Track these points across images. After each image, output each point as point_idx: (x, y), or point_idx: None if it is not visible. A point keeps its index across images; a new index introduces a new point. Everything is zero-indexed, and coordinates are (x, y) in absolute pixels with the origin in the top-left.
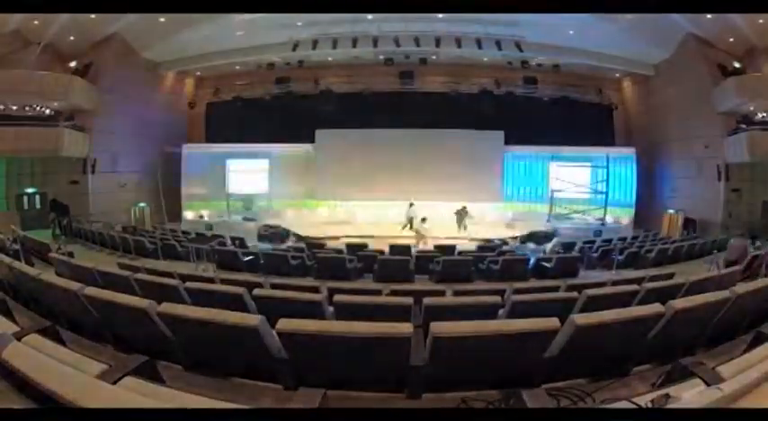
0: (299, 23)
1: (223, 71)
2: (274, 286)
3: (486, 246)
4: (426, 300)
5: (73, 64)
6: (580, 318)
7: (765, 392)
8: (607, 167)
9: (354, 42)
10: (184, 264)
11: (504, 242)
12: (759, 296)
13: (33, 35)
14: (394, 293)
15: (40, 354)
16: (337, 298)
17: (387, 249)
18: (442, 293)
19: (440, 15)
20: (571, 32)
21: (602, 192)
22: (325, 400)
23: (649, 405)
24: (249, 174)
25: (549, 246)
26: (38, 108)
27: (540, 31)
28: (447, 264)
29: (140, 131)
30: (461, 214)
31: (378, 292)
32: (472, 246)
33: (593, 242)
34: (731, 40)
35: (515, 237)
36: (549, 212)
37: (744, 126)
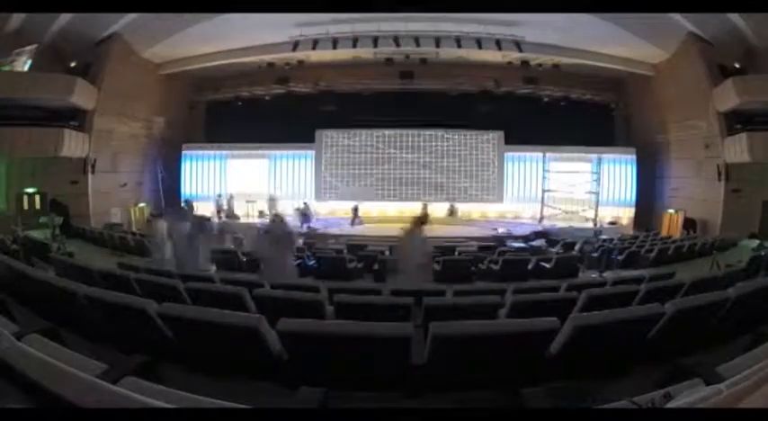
0: (299, 23)
1: (223, 71)
2: (274, 286)
3: (487, 246)
4: (426, 300)
5: (73, 64)
6: (580, 318)
7: (765, 392)
8: (599, 166)
9: (354, 42)
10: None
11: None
12: (759, 296)
13: (33, 35)
14: (394, 293)
15: (39, 354)
16: (337, 298)
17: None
18: (442, 293)
19: (440, 15)
20: (571, 32)
21: (594, 192)
22: (325, 400)
23: (649, 405)
24: (249, 174)
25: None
26: (38, 108)
27: (540, 31)
28: (447, 264)
29: (140, 131)
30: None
31: (378, 292)
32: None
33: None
34: (731, 40)
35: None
36: (541, 213)
37: (744, 126)
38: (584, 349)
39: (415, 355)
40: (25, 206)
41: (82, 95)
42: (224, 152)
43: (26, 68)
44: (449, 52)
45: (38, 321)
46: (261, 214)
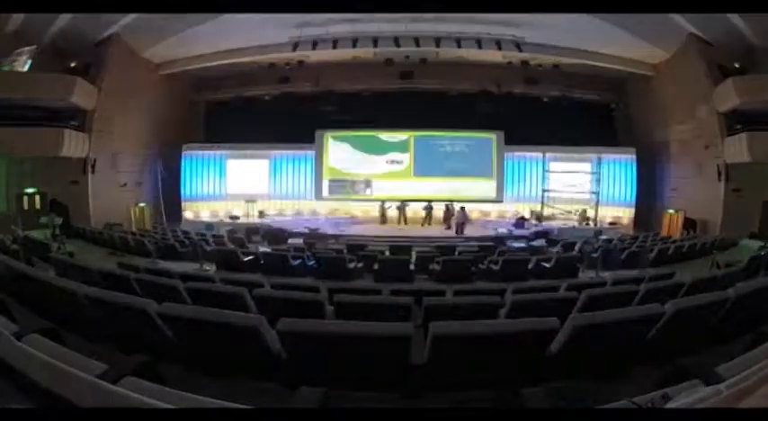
0: (299, 23)
1: (223, 71)
2: (274, 286)
3: (487, 246)
4: (426, 300)
5: (73, 64)
6: (580, 318)
7: (765, 392)
8: (599, 166)
9: (354, 42)
10: (185, 263)
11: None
12: (759, 296)
13: (33, 35)
14: (394, 293)
15: (40, 354)
16: (337, 298)
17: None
18: (442, 293)
19: (440, 15)
20: (571, 32)
21: (595, 192)
22: (325, 400)
23: (649, 405)
24: (249, 174)
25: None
26: (37, 108)
27: (540, 31)
28: (447, 264)
29: (140, 131)
30: None
31: (378, 292)
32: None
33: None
34: (731, 40)
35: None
36: (541, 212)
37: (744, 126)
38: (584, 349)
39: (415, 355)
40: (25, 206)
41: (82, 95)
42: (224, 152)
43: (26, 68)
44: (449, 52)
45: (38, 321)
46: (261, 214)
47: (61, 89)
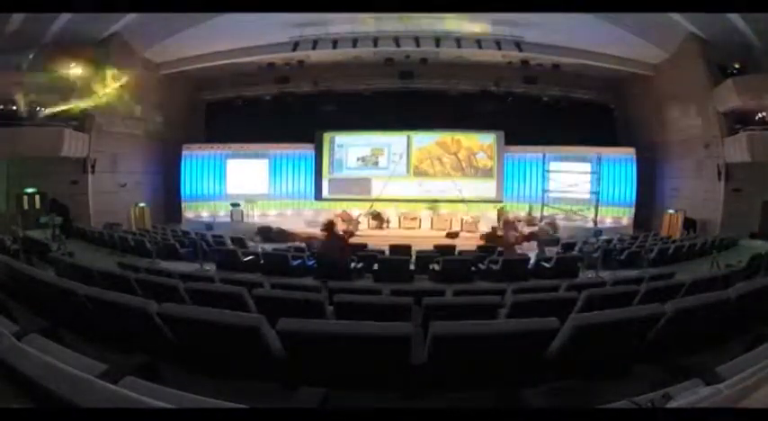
0: (299, 23)
1: (223, 71)
2: (274, 286)
3: (487, 246)
4: (426, 300)
5: (73, 64)
6: (580, 318)
7: (765, 392)
8: (599, 166)
9: (354, 42)
10: (185, 264)
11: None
12: (759, 296)
13: (33, 35)
14: (394, 293)
15: (40, 354)
16: (337, 297)
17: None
18: (441, 293)
19: (440, 15)
20: (571, 32)
21: (595, 192)
22: (325, 400)
23: (649, 405)
24: (249, 174)
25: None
26: (38, 108)
27: (540, 31)
28: (447, 264)
29: (140, 131)
30: None
31: (378, 292)
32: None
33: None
34: (731, 40)
35: None
36: (541, 213)
37: (743, 126)
38: (584, 349)
39: (415, 355)
40: (25, 206)
41: (81, 96)
42: (224, 152)
43: (26, 68)
44: (449, 52)
45: (38, 321)
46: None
47: (61, 89)
